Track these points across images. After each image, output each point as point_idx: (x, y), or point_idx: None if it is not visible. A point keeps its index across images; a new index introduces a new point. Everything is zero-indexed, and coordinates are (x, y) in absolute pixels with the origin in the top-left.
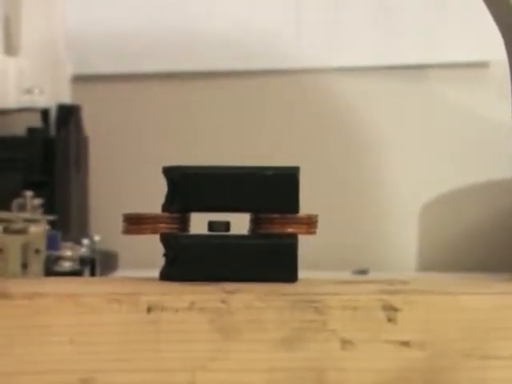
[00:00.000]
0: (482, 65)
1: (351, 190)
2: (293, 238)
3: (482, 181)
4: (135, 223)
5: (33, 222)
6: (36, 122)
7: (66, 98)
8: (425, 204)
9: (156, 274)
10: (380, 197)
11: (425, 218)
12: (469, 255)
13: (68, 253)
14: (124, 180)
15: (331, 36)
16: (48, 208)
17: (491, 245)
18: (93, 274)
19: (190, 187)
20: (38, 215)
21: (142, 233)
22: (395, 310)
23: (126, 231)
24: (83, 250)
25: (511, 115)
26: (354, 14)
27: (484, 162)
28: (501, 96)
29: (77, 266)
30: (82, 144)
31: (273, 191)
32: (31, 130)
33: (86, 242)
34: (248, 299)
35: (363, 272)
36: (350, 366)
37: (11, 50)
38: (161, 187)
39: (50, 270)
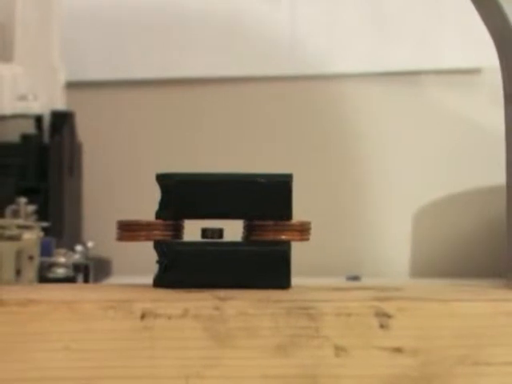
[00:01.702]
0: (474, 71)
1: (344, 196)
2: (286, 244)
3: (474, 187)
4: (129, 230)
5: (26, 228)
6: (30, 128)
7: (60, 105)
8: (417, 210)
9: (149, 280)
10: (373, 203)
11: (418, 225)
12: (462, 261)
13: (61, 259)
14: (118, 187)
15: (326, 43)
16: (41, 214)
17: (484, 251)
18: (86, 280)
19: (183, 194)
20: (32, 222)
21: (136, 240)
22: (388, 316)
23: (120, 238)
24: (77, 257)
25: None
26: (348, 20)
27: (477, 168)
28: (493, 102)
29: (70, 273)
30: (75, 150)
31: (266, 198)
32: (25, 137)
33: (79, 248)
34: (241, 306)
35: (356, 278)
36: (343, 373)
37: (5, 56)
38: (154, 194)
39: (44, 276)
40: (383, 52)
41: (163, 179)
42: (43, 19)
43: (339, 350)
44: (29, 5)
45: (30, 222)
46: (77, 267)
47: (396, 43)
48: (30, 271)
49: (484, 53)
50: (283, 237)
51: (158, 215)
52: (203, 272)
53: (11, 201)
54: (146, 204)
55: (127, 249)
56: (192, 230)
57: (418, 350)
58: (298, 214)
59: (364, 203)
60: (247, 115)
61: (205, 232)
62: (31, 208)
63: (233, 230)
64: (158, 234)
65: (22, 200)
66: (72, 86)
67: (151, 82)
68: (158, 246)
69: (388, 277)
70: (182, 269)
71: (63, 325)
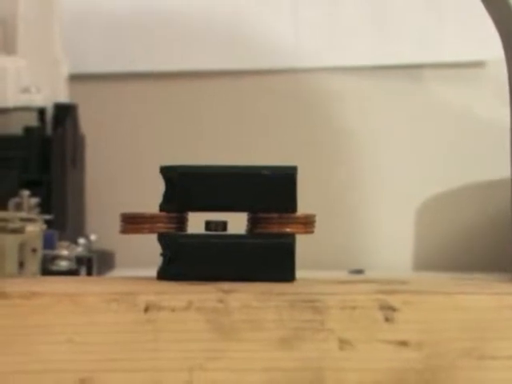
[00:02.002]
0: (477, 64)
1: (347, 189)
2: (290, 237)
3: (477, 180)
4: (133, 223)
5: (29, 221)
6: (33, 121)
7: (63, 97)
8: (421, 204)
9: (153, 273)
10: (376, 196)
11: (421, 218)
12: (465, 255)
13: (64, 252)
14: (121, 179)
15: (327, 35)
16: (44, 207)
17: (488, 245)
18: (89, 273)
19: (187, 187)
20: (35, 214)
21: (140, 232)
22: (393, 309)
23: (124, 231)
24: (80, 250)
25: (509, 114)
26: (350, 13)
27: (480, 162)
28: (496, 96)
29: (73, 266)
30: (78, 143)
31: (270, 191)
32: (28, 129)
33: (82, 241)
34: (245, 299)
35: (359, 272)
36: (347, 366)
37: (8, 49)
38: (158, 186)
39: (47, 269)
40: (386, 45)
41: (167, 172)
42: (45, 12)
43: (344, 343)
44: None
45: (32, 215)
46: (80, 260)
47: (399, 37)
48: (33, 264)
49: (488, 46)
50: (288, 229)
51: (162, 208)
52: (207, 264)
53: (14, 193)
54: (150, 196)
55: (131, 241)
56: (196, 223)
57: (422, 343)
58: (302, 207)
59: (367, 196)
60: (250, 108)
61: (209, 224)
62: (34, 201)
63: (237, 222)
64: (162, 227)
65: (25, 193)
66: (75, 78)
67: (154, 75)
68: (162, 238)
69: (391, 270)
70: (185, 261)
71: (66, 317)
